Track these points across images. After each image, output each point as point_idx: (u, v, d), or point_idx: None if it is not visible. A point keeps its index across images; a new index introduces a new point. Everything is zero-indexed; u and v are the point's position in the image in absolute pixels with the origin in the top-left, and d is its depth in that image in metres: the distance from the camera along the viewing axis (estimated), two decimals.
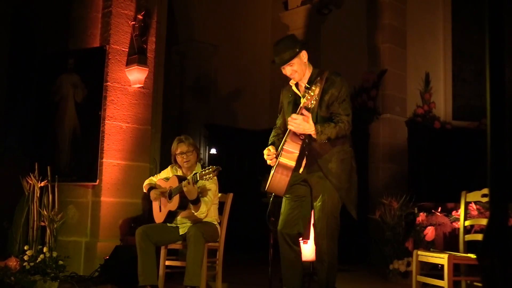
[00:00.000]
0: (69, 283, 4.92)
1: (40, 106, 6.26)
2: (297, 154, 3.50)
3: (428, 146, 8.44)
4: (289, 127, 3.47)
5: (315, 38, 8.93)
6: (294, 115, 3.45)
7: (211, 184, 4.33)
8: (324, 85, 3.55)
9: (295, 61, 3.61)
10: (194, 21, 9.92)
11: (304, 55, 3.66)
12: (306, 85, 3.62)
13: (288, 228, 3.68)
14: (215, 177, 4.36)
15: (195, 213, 4.24)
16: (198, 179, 4.09)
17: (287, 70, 3.66)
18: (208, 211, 4.30)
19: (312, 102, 3.35)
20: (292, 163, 3.50)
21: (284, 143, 3.54)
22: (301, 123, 3.41)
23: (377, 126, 8.26)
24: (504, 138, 1.31)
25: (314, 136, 3.47)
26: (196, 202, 4.18)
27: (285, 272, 3.75)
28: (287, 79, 3.82)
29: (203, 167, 4.42)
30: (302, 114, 3.43)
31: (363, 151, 7.94)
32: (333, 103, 3.59)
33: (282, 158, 3.51)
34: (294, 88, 3.77)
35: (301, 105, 3.41)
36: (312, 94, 3.31)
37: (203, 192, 4.30)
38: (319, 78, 3.55)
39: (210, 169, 4.05)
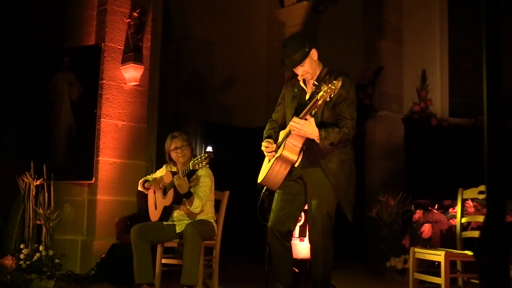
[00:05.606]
0: (65, 282, 4.92)
1: (35, 104, 6.23)
2: (300, 148, 3.48)
3: (425, 143, 8.43)
4: (292, 131, 3.42)
5: (311, 35, 8.90)
6: (296, 119, 3.39)
7: (206, 179, 4.31)
8: None
9: (306, 61, 3.52)
10: (189, 19, 9.89)
11: (314, 53, 3.57)
12: (315, 82, 3.57)
13: (279, 225, 3.65)
14: (210, 172, 4.35)
15: (190, 208, 4.22)
16: (190, 168, 4.06)
17: (299, 71, 3.57)
18: (203, 206, 4.27)
19: (322, 95, 3.24)
20: (294, 157, 3.48)
21: (287, 137, 3.50)
22: (302, 128, 3.37)
23: (373, 123, 8.25)
24: (501, 135, 1.30)
25: (317, 141, 3.43)
26: (188, 196, 4.16)
27: (277, 268, 3.75)
28: (284, 77, 3.78)
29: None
30: (305, 119, 3.36)
31: (360, 148, 7.92)
32: (341, 103, 3.51)
33: (285, 151, 3.48)
34: (301, 83, 3.68)
35: (316, 98, 3.27)
36: (328, 90, 3.20)
37: (196, 186, 4.28)
38: (332, 80, 3.41)
39: (202, 157, 4.02)
